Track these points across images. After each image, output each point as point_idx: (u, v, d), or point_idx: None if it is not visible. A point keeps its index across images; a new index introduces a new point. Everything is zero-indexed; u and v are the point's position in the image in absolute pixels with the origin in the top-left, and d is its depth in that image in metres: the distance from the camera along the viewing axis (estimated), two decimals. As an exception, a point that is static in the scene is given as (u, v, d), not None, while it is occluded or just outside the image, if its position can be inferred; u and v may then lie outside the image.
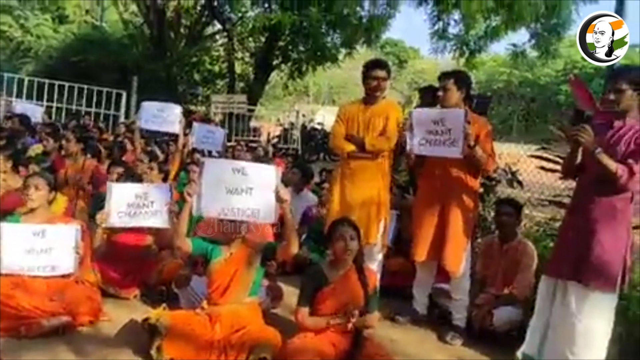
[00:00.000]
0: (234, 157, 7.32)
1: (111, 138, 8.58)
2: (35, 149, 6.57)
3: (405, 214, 4.78)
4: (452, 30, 14.33)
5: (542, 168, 5.01)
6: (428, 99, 5.21)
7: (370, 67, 4.08)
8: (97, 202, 4.64)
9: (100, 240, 4.08)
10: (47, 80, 11.71)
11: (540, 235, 4.87)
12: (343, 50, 15.64)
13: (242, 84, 18.28)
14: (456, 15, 13.91)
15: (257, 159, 7.20)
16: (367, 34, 14.58)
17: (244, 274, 3.35)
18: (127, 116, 11.82)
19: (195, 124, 7.13)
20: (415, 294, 4.18)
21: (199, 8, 18.87)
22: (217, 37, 20.21)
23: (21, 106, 9.26)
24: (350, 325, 3.10)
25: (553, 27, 13.51)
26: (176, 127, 6.17)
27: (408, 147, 3.85)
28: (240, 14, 17.94)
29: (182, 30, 19.13)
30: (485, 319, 3.85)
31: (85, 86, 11.74)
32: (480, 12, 12.85)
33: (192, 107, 17.61)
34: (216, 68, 19.50)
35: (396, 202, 4.83)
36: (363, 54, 16.04)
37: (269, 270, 3.86)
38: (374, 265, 4.01)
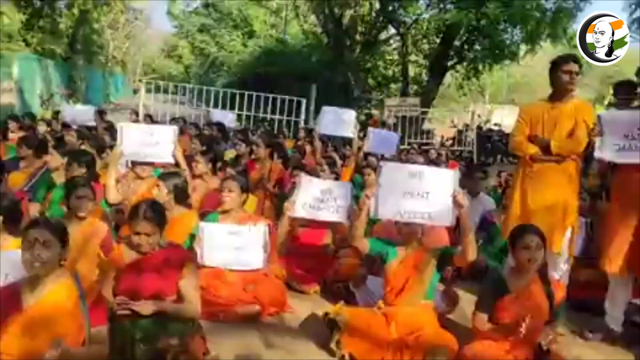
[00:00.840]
0: (407, 160, 7.36)
1: (292, 143, 9.18)
2: (229, 154, 7.28)
3: (596, 221, 4.38)
4: (656, 16, 12.77)
5: None
6: (624, 95, 4.75)
7: (562, 61, 3.78)
8: (283, 202, 5.01)
9: (284, 235, 4.32)
10: (237, 91, 12.96)
11: None
12: (523, 47, 14.78)
13: (415, 87, 18.27)
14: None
15: (430, 162, 7.15)
16: (553, 28, 13.58)
17: (419, 277, 3.36)
18: (306, 122, 12.57)
19: (370, 129, 7.35)
20: (608, 309, 3.79)
21: (374, 14, 19.29)
22: (391, 41, 20.48)
23: (217, 115, 10.36)
24: (522, 332, 2.92)
25: None
26: (351, 132, 6.44)
27: (597, 154, 3.52)
28: (414, 17, 17.96)
29: (357, 36, 19.72)
30: (697, 345, 3.37)
31: (271, 95, 12.73)
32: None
33: (367, 112, 18.09)
34: (390, 72, 19.79)
35: (586, 208, 4.45)
36: (545, 49, 14.98)
37: (445, 275, 3.82)
38: (558, 276, 3.75)
